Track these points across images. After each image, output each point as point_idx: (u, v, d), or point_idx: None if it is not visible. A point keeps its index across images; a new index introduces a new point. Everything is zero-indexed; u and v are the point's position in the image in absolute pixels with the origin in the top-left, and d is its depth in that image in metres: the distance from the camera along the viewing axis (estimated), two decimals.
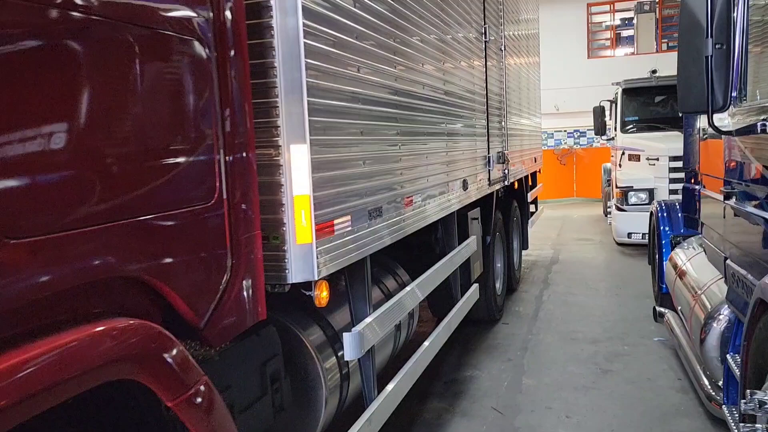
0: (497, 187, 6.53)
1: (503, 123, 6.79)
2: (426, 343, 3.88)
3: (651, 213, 7.67)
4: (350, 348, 2.86)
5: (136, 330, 1.63)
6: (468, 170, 5.23)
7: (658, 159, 10.28)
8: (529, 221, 9.32)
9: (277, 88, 2.40)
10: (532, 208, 9.77)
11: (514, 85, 7.63)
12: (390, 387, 3.31)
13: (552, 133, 19.82)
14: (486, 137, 5.95)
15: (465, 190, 5.10)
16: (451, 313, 4.66)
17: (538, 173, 10.26)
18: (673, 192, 9.74)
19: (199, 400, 1.84)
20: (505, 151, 6.78)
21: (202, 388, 1.86)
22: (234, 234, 2.10)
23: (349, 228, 2.83)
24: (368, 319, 3.08)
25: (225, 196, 2.05)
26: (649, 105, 12.03)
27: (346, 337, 2.87)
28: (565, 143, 20.02)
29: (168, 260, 1.84)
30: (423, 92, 3.98)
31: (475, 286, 5.53)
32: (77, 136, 1.54)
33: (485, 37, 5.85)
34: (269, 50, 2.39)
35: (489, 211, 6.45)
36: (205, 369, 2.36)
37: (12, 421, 1.29)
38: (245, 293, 2.17)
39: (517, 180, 8.19)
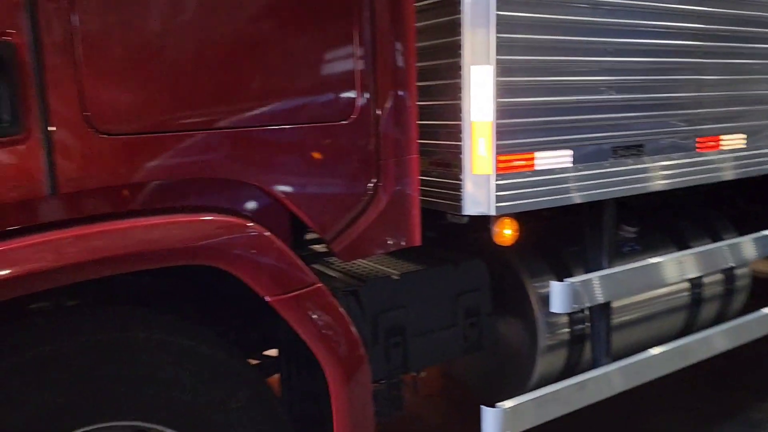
0: None
1: None
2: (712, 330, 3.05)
3: None
4: (556, 299, 2.53)
5: (225, 225, 1.83)
6: None
7: None
8: None
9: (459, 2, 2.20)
10: None
11: None
12: (627, 362, 2.77)
13: None
14: None
15: None
16: None
17: None
18: None
19: (303, 302, 1.96)
20: None
21: (309, 291, 1.97)
22: (379, 156, 2.09)
23: (568, 164, 2.45)
24: (595, 274, 2.64)
25: (366, 118, 2.05)
26: None
27: (553, 286, 2.55)
28: None
29: (287, 172, 1.97)
30: None
31: None
32: (212, 37, 1.80)
33: None
34: None
35: None
36: (381, 286, 2.46)
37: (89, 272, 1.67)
38: (389, 217, 2.14)
39: None
